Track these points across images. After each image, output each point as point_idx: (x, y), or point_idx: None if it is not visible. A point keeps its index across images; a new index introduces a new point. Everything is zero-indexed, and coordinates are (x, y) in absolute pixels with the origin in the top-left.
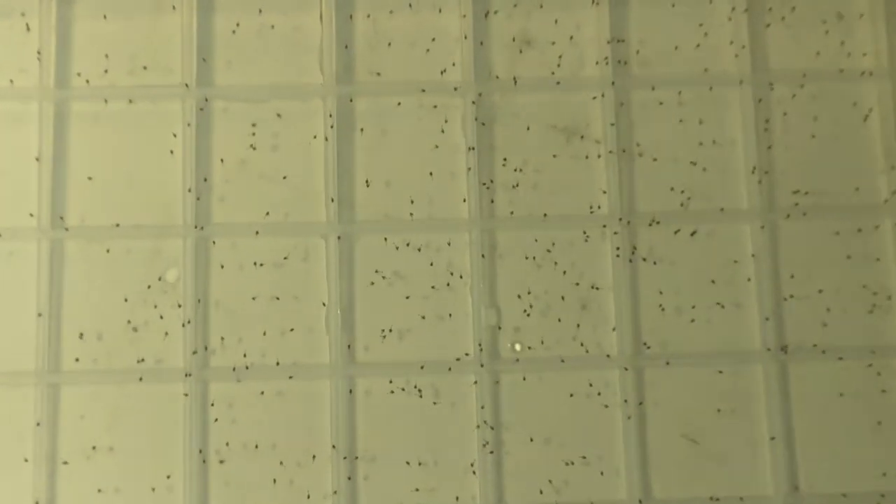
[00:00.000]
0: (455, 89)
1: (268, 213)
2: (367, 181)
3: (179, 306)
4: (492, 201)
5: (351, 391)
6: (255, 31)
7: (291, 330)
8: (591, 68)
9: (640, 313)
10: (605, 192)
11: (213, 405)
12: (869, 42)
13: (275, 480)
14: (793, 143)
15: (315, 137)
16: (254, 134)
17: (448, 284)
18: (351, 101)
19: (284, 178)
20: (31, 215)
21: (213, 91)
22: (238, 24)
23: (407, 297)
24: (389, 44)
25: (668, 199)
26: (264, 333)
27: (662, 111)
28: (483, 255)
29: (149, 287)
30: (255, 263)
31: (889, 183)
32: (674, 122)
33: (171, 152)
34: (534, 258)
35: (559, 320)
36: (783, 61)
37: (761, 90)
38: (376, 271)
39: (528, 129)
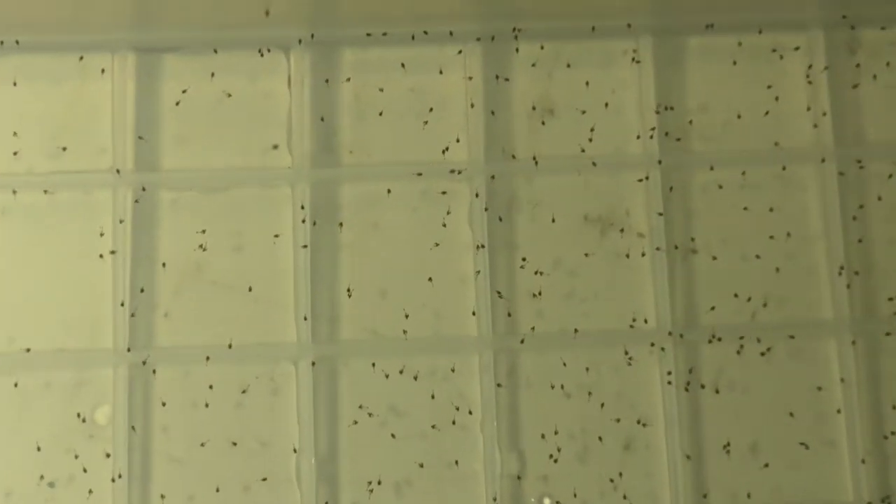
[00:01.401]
0: (459, 172)
1: (224, 334)
2: (349, 290)
3: (108, 456)
4: (508, 314)
5: None
6: (207, 101)
7: (255, 483)
8: (632, 143)
9: (701, 456)
10: (652, 301)
11: None
12: None
13: None
14: (891, 235)
15: (278, 237)
16: (205, 231)
17: (454, 422)
18: (329, 187)
19: (250, 289)
20: None
21: (154, 178)
22: (185, 92)
23: (402, 440)
24: (380, 113)
25: (733, 307)
26: (218, 490)
27: (723, 196)
28: (499, 385)
29: (69, 431)
30: (206, 402)
31: None
32: (738, 210)
33: (101, 256)
34: (562, 387)
35: (597, 467)
36: (876, 131)
37: (848, 168)
38: (362, 407)
39: (552, 220)
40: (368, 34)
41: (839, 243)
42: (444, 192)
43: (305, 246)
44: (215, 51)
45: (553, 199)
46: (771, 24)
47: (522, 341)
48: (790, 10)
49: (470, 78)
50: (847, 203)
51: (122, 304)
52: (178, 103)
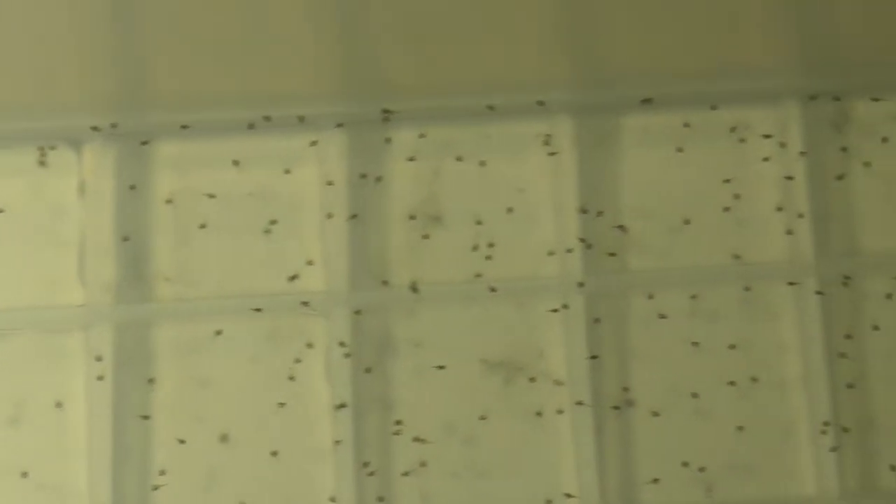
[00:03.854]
0: (313, 305)
1: None
2: (162, 472)
3: None
4: (380, 500)
5: None
6: None
7: None
8: (545, 261)
9: None
10: (574, 473)
11: None
12: None
13: None
14: (893, 375)
15: (61, 406)
16: None
17: None
18: (137, 331)
19: (24, 475)
20: None
21: None
22: None
23: None
24: (203, 226)
25: (683, 480)
26: None
27: (667, 329)
28: None
29: None
30: None
31: None
32: (686, 348)
33: None
34: None
35: None
36: (871, 237)
37: (833, 287)
38: None
39: (440, 368)
40: (184, 126)
41: (822, 390)
42: (292, 334)
43: (102, 412)
44: None
45: (440, 339)
46: (729, 96)
47: None
48: (754, 77)
49: (329, 183)
50: (832, 334)
51: None
52: None
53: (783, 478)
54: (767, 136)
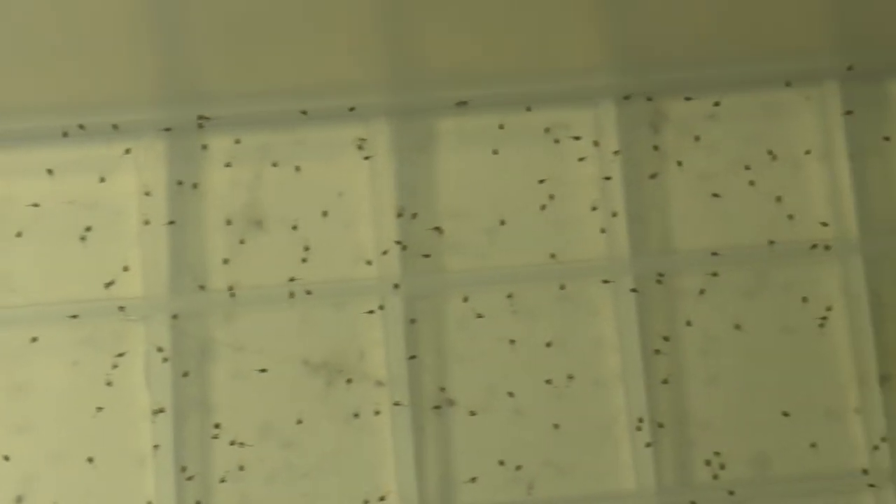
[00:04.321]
0: (130, 311)
1: None
2: None
3: None
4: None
5: None
6: None
7: None
8: (362, 263)
9: None
10: (393, 473)
11: None
12: None
13: None
14: (708, 371)
15: None
16: None
17: None
18: None
19: None
20: None
21: None
22: None
23: None
24: (19, 234)
25: (501, 478)
26: None
27: (485, 329)
28: None
29: None
30: None
31: None
32: (504, 346)
33: None
34: None
35: None
36: (684, 236)
37: (647, 285)
38: None
39: (261, 371)
40: None
41: (638, 386)
42: (109, 340)
43: None
44: None
45: (260, 343)
46: (543, 97)
47: None
48: (569, 79)
49: (146, 190)
50: (647, 331)
51: None
52: None
53: (601, 474)
54: (580, 137)
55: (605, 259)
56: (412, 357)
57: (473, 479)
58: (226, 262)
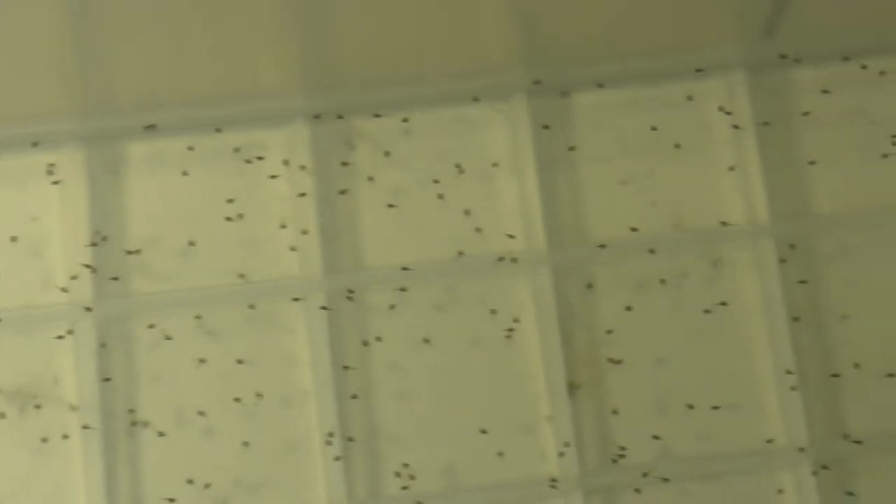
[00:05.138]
0: None
1: None
2: None
3: None
4: None
5: None
6: None
7: None
8: (51, 289)
9: None
10: (85, 497)
11: None
12: None
13: None
14: (397, 387)
15: None
16: None
17: None
18: None
19: None
20: None
21: None
22: None
23: None
24: None
25: (191, 496)
26: None
27: (171, 350)
28: None
29: None
30: None
31: None
32: (191, 368)
33: None
34: None
35: None
36: (374, 254)
37: (338, 302)
38: None
39: None
40: None
41: (329, 402)
42: None
43: None
44: None
45: None
46: (232, 119)
47: None
48: (260, 99)
49: None
50: (338, 348)
51: None
52: None
53: (293, 490)
54: (270, 157)
55: (295, 277)
56: (106, 380)
57: (172, 500)
58: None
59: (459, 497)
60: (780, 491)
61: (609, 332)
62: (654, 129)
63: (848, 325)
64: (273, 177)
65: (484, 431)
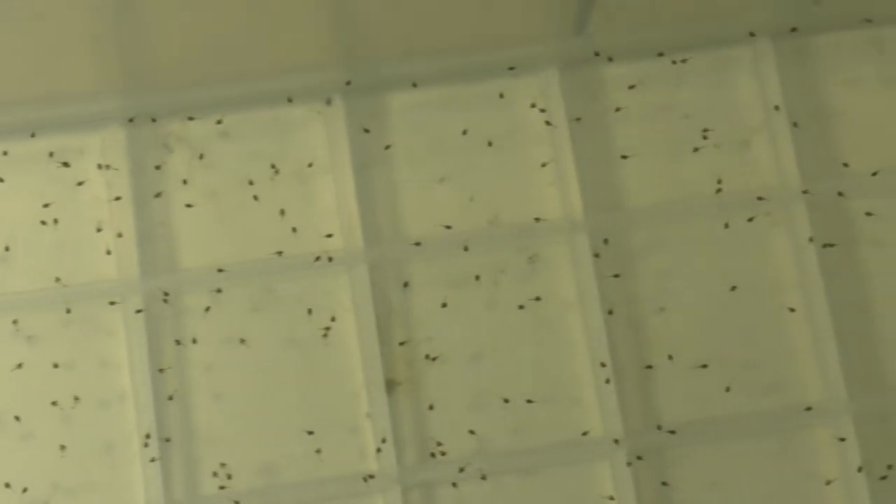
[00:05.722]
0: None
1: None
2: None
3: None
4: None
5: None
6: None
7: None
8: None
9: None
10: None
11: None
12: None
13: None
14: (214, 389)
15: None
16: None
17: None
18: None
19: None
20: None
21: None
22: None
23: None
24: None
25: (10, 500)
26: None
27: None
28: None
29: None
30: None
31: None
32: (7, 373)
33: None
34: None
35: None
36: (188, 258)
37: (153, 305)
38: None
39: None
40: None
41: (147, 404)
42: None
43: None
44: None
45: None
46: (47, 123)
47: None
48: (74, 102)
49: None
50: (155, 350)
51: None
52: None
53: (110, 492)
54: (85, 160)
55: (111, 280)
56: None
57: None
58: None
59: (277, 495)
60: (597, 482)
61: (426, 329)
62: (468, 126)
63: (661, 318)
64: (87, 181)
65: (302, 430)
